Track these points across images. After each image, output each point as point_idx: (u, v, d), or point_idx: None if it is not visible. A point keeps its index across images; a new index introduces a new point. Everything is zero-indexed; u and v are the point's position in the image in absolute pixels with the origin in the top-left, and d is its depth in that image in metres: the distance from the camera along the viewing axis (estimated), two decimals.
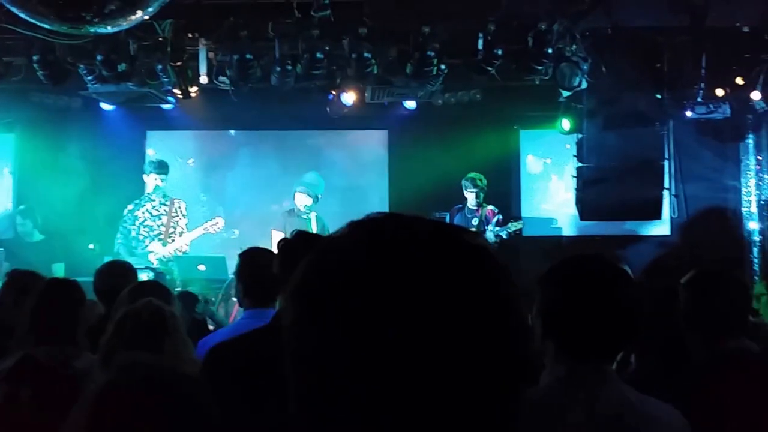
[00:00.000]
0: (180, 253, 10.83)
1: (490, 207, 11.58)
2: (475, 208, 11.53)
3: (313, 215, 11.34)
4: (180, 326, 4.07)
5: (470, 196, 11.52)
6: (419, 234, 1.21)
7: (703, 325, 3.94)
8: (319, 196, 11.47)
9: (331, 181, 12.88)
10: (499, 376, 1.17)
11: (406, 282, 1.14)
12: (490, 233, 11.30)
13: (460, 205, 11.64)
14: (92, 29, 6.63)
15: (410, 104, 12.27)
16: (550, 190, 13.29)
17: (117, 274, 6.29)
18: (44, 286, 4.60)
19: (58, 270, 10.98)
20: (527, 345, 1.23)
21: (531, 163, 13.42)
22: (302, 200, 11.31)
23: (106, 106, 12.06)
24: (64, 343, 4.28)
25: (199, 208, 12.67)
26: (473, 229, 11.23)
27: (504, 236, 11.31)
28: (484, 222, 11.48)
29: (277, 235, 10.88)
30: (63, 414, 3.64)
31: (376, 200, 13.29)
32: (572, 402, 2.59)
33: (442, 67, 10.32)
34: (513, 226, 11.40)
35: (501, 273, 1.21)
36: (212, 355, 3.96)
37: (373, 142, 13.70)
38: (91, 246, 10.45)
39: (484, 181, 11.50)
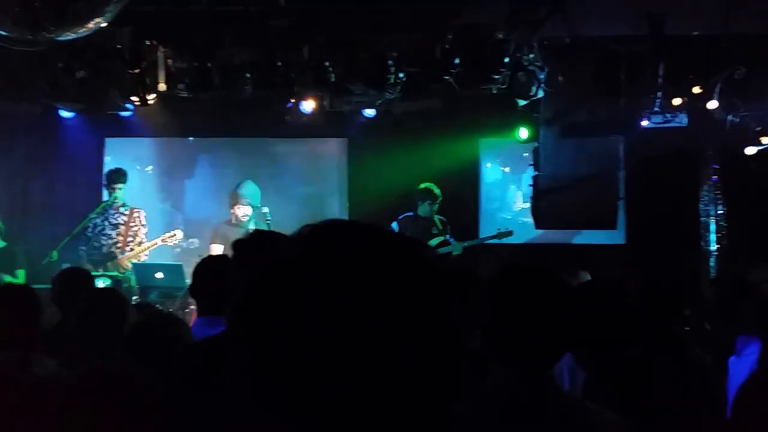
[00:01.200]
0: (138, 261, 10.79)
1: (439, 216, 11.62)
2: (429, 216, 11.55)
3: (252, 225, 11.16)
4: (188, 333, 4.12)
5: (425, 208, 11.53)
6: (378, 237, 1.27)
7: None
8: (257, 206, 11.38)
9: (291, 189, 12.89)
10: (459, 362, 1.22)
11: (386, 279, 1.18)
12: (458, 245, 11.37)
13: (411, 214, 11.63)
14: (51, 36, 6.61)
15: (369, 112, 12.27)
16: (509, 198, 13.37)
17: (73, 281, 6.28)
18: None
19: (20, 276, 10.92)
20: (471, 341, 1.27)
21: (489, 172, 13.49)
22: (244, 211, 11.26)
23: (64, 114, 11.99)
24: (22, 348, 4.27)
25: (158, 216, 12.63)
26: (440, 238, 11.31)
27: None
28: (443, 231, 11.52)
29: (218, 249, 10.82)
30: (21, 419, 3.63)
31: (336, 208, 13.31)
32: (516, 409, 2.64)
33: (401, 75, 10.36)
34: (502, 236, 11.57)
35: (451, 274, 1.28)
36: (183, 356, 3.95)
37: (333, 150, 13.70)
38: (51, 253, 10.38)
39: (438, 191, 11.54)
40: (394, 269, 1.21)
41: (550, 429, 2.66)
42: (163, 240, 10.96)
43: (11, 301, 4.46)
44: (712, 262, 12.82)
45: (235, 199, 11.25)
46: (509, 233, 11.65)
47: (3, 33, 6.77)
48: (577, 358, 4.10)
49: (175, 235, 11.02)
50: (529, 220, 11.33)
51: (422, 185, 11.59)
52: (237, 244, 4.13)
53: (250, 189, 11.38)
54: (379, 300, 1.17)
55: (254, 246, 4.00)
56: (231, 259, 5.11)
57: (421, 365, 1.17)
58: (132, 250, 10.88)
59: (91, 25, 6.73)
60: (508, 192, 13.41)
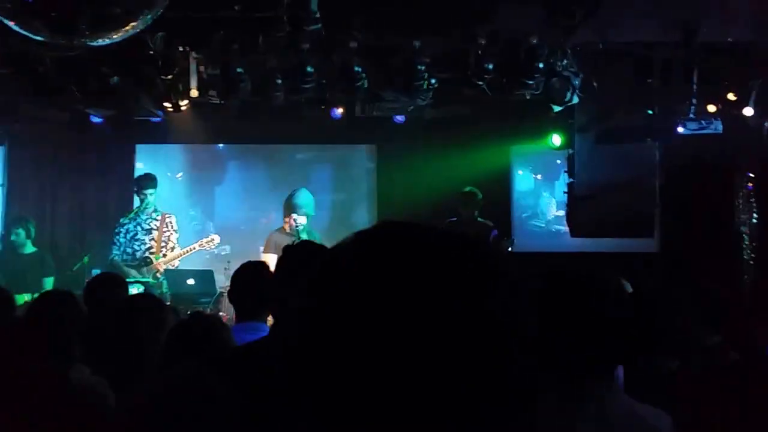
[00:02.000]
0: (171, 267, 10.80)
1: (487, 222, 11.50)
2: (472, 219, 11.45)
3: (304, 235, 10.89)
4: (231, 337, 4.11)
5: (467, 212, 11.46)
6: (435, 240, 1.23)
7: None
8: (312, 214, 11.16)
9: (320, 195, 12.85)
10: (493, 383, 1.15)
11: (419, 284, 1.14)
12: None
13: (455, 218, 11.56)
14: (85, 42, 6.60)
15: (400, 118, 12.25)
16: (541, 205, 13.30)
17: (106, 286, 6.27)
18: (39, 298, 4.60)
19: (48, 284, 10.94)
20: (521, 358, 1.20)
21: (522, 179, 13.42)
22: (300, 221, 10.91)
23: (95, 120, 12.04)
24: (59, 354, 4.26)
25: (188, 222, 12.66)
26: None
27: None
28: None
29: (270, 258, 10.69)
30: (58, 425, 3.62)
31: (365, 214, 13.29)
32: (583, 415, 2.60)
33: (432, 81, 10.31)
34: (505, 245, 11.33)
35: (507, 285, 1.22)
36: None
37: (363, 157, 13.70)
38: (83, 260, 10.39)
39: (481, 196, 11.45)
40: (458, 273, 1.18)
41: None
42: (200, 245, 10.96)
43: (54, 308, 4.45)
44: (747, 271, 12.69)
45: (290, 209, 11.05)
46: (510, 241, 11.47)
47: (37, 38, 6.76)
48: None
49: (213, 239, 11.03)
50: (563, 228, 11.26)
51: (467, 188, 11.50)
52: (286, 250, 4.07)
53: (305, 198, 11.17)
54: (444, 307, 1.13)
55: (302, 255, 3.93)
56: (268, 265, 5.11)
57: (484, 371, 1.14)
58: (165, 255, 10.89)
59: (125, 31, 6.71)
60: (540, 200, 13.34)
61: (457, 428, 1.13)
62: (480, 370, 1.14)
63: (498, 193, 13.20)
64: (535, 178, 13.41)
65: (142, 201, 11.08)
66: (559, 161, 11.67)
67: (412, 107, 11.31)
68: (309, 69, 10.04)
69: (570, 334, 2.64)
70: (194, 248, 10.93)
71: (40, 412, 3.96)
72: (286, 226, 11.01)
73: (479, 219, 11.45)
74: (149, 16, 6.25)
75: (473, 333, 1.14)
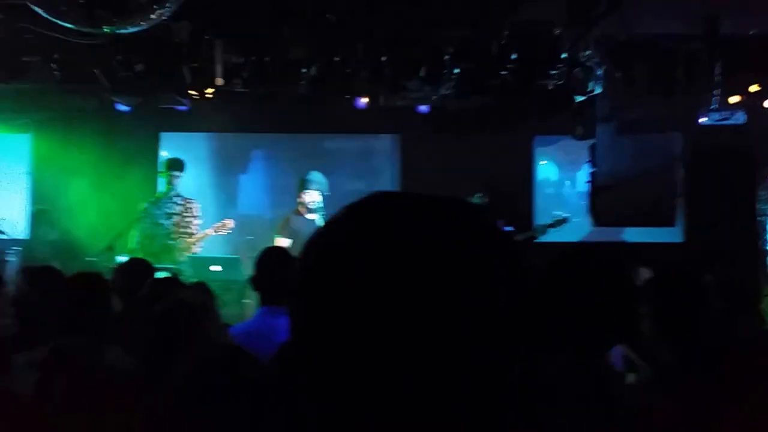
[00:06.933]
0: (191, 253, 10.76)
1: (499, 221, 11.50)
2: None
3: (316, 216, 10.67)
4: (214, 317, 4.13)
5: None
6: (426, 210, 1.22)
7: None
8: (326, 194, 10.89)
9: (343, 184, 12.84)
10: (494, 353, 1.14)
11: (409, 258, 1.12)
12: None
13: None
14: (111, 29, 6.68)
15: (424, 108, 12.26)
16: (564, 195, 13.28)
17: (135, 271, 6.35)
18: (73, 279, 4.65)
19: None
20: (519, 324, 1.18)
21: (544, 168, 13.42)
22: (313, 198, 10.71)
23: (121, 107, 12.11)
24: (93, 335, 4.32)
25: (211, 211, 12.70)
26: None
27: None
28: None
29: (282, 242, 10.59)
30: (92, 405, 3.67)
31: None
32: (580, 390, 2.65)
33: (456, 71, 10.33)
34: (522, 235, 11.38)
35: (506, 254, 1.22)
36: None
37: (386, 146, 13.70)
38: (108, 248, 10.41)
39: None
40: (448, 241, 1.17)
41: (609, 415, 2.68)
42: (215, 230, 10.90)
43: (85, 289, 4.51)
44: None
45: (302, 186, 10.78)
46: (564, 220, 11.56)
47: (65, 24, 6.84)
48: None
49: (224, 224, 10.90)
50: (585, 217, 11.23)
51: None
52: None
53: (318, 176, 10.90)
54: (436, 276, 1.12)
55: None
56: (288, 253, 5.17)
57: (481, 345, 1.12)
58: (184, 241, 10.85)
59: (151, 18, 6.78)
60: (563, 189, 13.32)
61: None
62: (485, 355, 1.12)
63: (520, 182, 13.21)
64: (558, 168, 13.40)
65: (167, 185, 11.04)
66: (581, 151, 11.63)
67: (435, 97, 11.32)
68: (333, 58, 10.08)
69: (568, 312, 2.69)
70: (207, 234, 10.86)
71: (72, 390, 4.03)
72: (301, 208, 10.79)
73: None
74: (170, 6, 6.31)
75: (480, 315, 1.13)
